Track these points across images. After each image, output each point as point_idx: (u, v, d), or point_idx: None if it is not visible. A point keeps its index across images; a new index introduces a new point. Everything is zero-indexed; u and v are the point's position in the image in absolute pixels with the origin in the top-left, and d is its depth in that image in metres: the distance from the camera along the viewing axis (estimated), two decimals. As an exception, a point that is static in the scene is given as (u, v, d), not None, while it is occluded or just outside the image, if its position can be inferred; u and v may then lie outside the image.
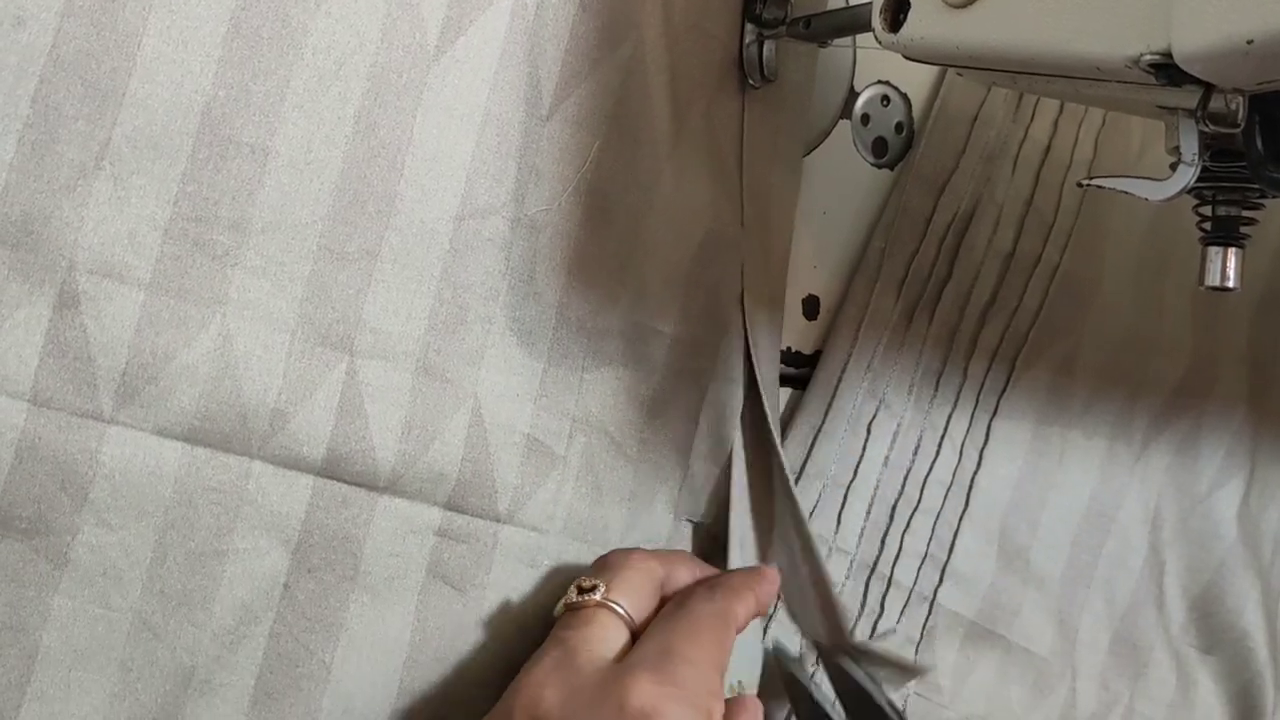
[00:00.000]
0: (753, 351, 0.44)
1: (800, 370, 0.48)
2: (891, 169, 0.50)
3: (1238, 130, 0.29)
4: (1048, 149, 0.51)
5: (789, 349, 0.48)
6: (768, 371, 0.45)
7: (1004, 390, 0.50)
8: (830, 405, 0.47)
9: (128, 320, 0.33)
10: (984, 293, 0.50)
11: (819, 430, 0.47)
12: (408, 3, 0.35)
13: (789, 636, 0.46)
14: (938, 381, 0.49)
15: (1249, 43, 0.25)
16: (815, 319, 0.48)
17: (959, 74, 0.37)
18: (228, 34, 0.33)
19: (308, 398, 0.35)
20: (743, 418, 0.45)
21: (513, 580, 0.40)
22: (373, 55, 0.35)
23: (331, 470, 0.36)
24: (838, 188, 0.49)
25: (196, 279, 0.33)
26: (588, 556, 0.41)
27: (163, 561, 0.34)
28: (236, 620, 0.35)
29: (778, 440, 0.44)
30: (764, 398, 0.44)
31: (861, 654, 0.45)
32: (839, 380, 0.47)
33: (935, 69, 0.50)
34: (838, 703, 0.45)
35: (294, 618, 0.36)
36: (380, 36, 0.35)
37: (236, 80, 0.33)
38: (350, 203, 0.35)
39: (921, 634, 0.48)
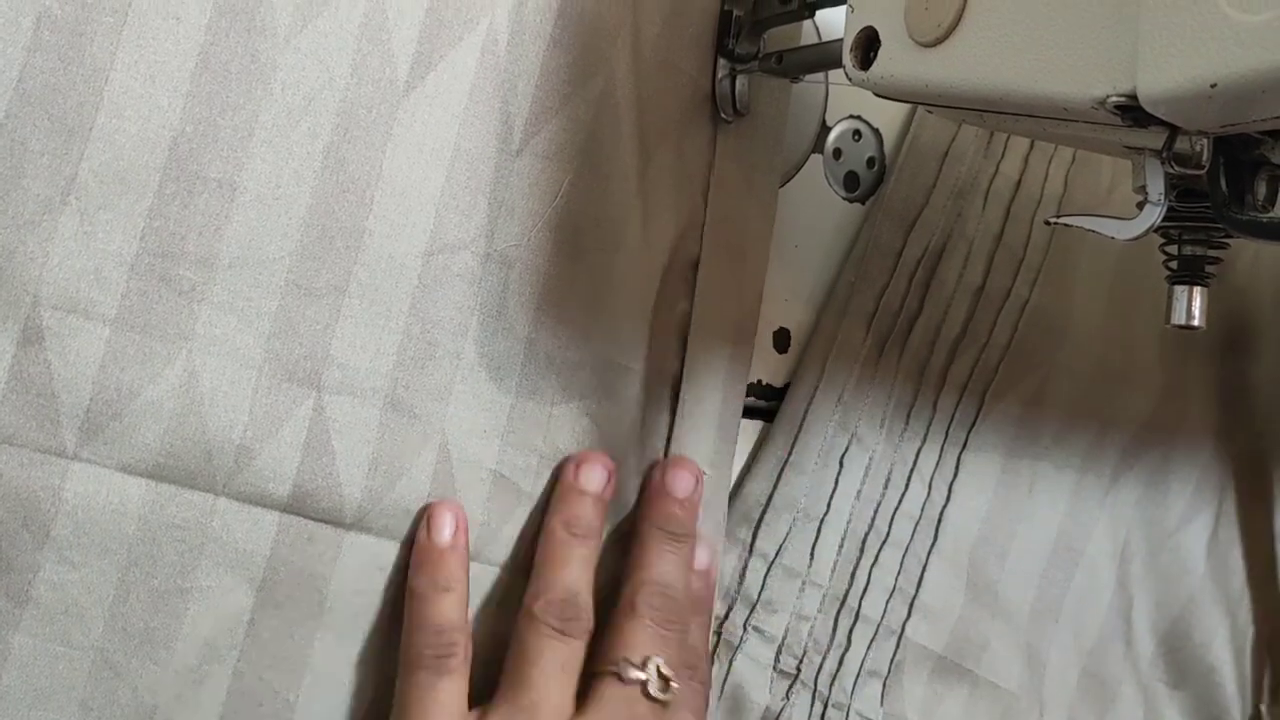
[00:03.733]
0: (686, 381, 0.43)
1: (770, 403, 0.47)
2: (863, 203, 0.49)
3: (1203, 172, 0.29)
4: (1018, 184, 0.50)
5: (759, 381, 0.47)
6: (730, 402, 0.44)
7: (973, 424, 0.49)
8: (797, 438, 0.46)
9: (92, 356, 0.32)
10: (954, 327, 0.49)
11: (785, 463, 0.46)
12: (377, 38, 0.35)
13: (760, 670, 0.45)
14: (908, 415, 0.48)
15: (1212, 86, 0.25)
16: (786, 352, 0.48)
17: (929, 111, 0.36)
18: (196, 69, 0.32)
19: (274, 434, 0.34)
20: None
21: (478, 616, 0.39)
22: (342, 91, 0.34)
23: (297, 507, 0.35)
24: (809, 221, 0.48)
25: (162, 315, 0.33)
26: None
27: (125, 599, 0.33)
28: (200, 659, 0.34)
29: (729, 475, 0.44)
30: (714, 429, 0.43)
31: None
32: (805, 413, 0.47)
33: (907, 104, 0.49)
34: None
35: (258, 655, 0.35)
36: (350, 72, 0.34)
37: (204, 115, 0.33)
38: (318, 238, 0.35)
39: (889, 668, 0.48)
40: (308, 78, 0.34)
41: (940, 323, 0.49)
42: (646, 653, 0.38)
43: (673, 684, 0.37)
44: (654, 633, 0.38)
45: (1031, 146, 0.50)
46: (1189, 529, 0.54)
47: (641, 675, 0.37)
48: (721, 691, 0.45)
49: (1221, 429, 0.55)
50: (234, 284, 0.33)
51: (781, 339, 0.47)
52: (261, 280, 0.34)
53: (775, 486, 0.46)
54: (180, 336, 0.33)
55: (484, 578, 0.39)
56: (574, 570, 0.38)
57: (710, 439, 0.44)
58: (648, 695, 0.37)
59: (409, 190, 0.36)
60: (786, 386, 0.48)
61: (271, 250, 0.34)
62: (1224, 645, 0.54)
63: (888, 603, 0.47)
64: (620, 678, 0.37)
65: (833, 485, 0.47)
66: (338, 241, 0.35)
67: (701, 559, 0.43)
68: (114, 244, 0.32)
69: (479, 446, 0.38)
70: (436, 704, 0.35)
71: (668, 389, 0.43)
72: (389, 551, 0.37)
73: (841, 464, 0.47)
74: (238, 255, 0.33)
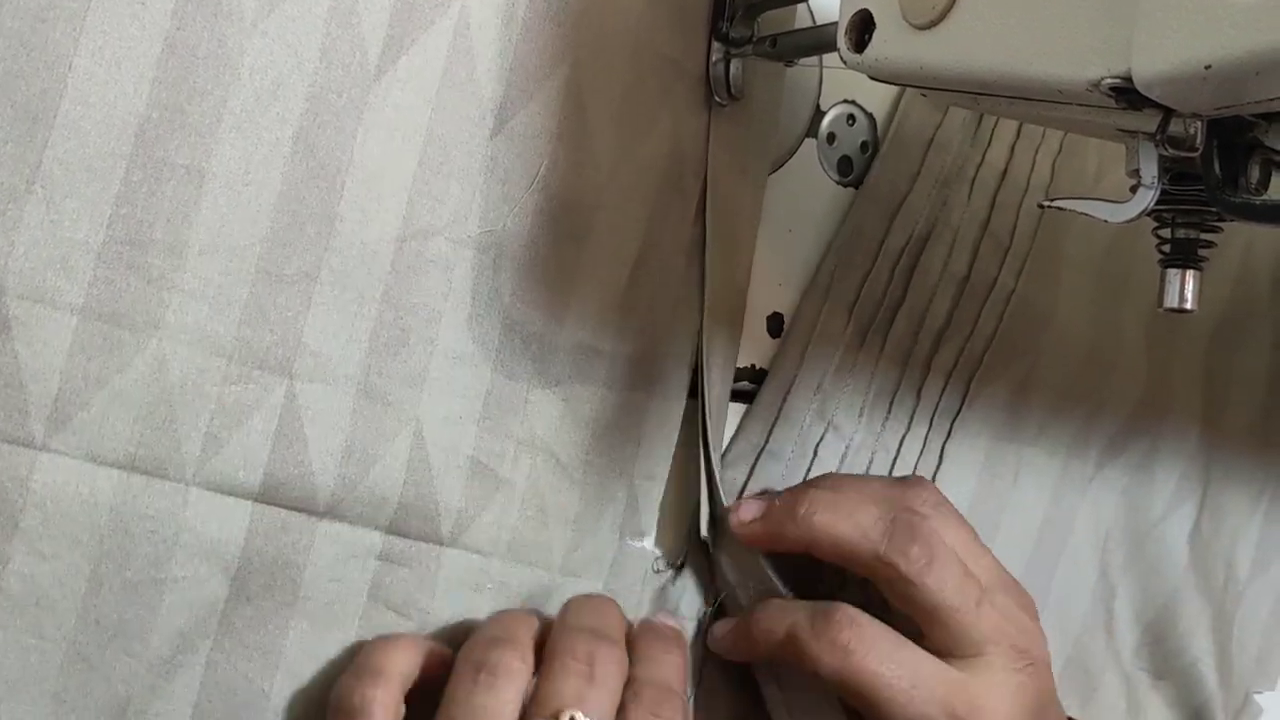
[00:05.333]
0: (705, 368, 0.42)
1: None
2: (856, 188, 0.47)
3: (1196, 154, 0.28)
4: (1004, 173, 0.48)
5: (752, 366, 0.45)
6: (719, 388, 0.43)
7: (958, 413, 0.48)
8: (774, 425, 0.45)
9: (60, 345, 0.31)
10: (938, 317, 0.47)
11: (761, 450, 0.44)
12: (348, 22, 0.33)
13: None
14: (890, 404, 0.47)
15: (1207, 68, 0.24)
16: (779, 337, 0.46)
17: (922, 94, 0.35)
18: (162, 54, 0.31)
19: (244, 422, 0.33)
20: (701, 435, 0.42)
21: (457, 604, 0.37)
22: (311, 75, 0.33)
23: (269, 495, 0.34)
24: (803, 206, 0.46)
25: (130, 303, 0.31)
26: (532, 580, 0.39)
27: (98, 590, 0.32)
28: (173, 649, 0.33)
29: (716, 460, 0.42)
30: (709, 415, 0.42)
31: None
32: (783, 400, 0.45)
33: (901, 88, 0.47)
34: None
35: (232, 645, 0.34)
36: (319, 56, 0.33)
37: (171, 101, 0.31)
38: (289, 224, 0.33)
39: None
40: (276, 62, 0.32)
41: (924, 312, 0.47)
42: (559, 704, 0.33)
43: None
44: (573, 677, 0.34)
45: (1018, 135, 0.48)
46: (1173, 518, 0.53)
47: None
48: None
49: (1206, 419, 0.53)
50: (203, 271, 0.32)
51: (775, 323, 0.46)
52: (231, 267, 0.32)
53: (750, 474, 0.44)
54: (149, 325, 0.31)
55: (462, 564, 0.37)
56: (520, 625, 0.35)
57: (710, 423, 0.42)
58: None
59: (381, 175, 0.34)
60: (778, 372, 0.46)
61: (241, 237, 0.32)
62: (1206, 636, 0.53)
63: None
64: None
65: (806, 474, 0.45)
66: (309, 228, 0.33)
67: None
68: (81, 232, 0.30)
69: (455, 433, 0.37)
70: None
71: (648, 372, 0.41)
72: (362, 539, 0.35)
73: (816, 453, 0.45)
74: (207, 242, 0.32)
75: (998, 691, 0.37)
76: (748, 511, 0.41)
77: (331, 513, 0.35)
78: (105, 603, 0.32)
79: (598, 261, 0.39)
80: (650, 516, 0.42)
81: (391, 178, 0.34)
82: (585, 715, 0.33)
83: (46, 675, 0.31)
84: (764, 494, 0.43)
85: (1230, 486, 0.54)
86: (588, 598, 0.38)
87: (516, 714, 0.33)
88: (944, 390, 0.47)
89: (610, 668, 0.35)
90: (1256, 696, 0.55)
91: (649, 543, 0.42)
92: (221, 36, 0.31)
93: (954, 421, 0.47)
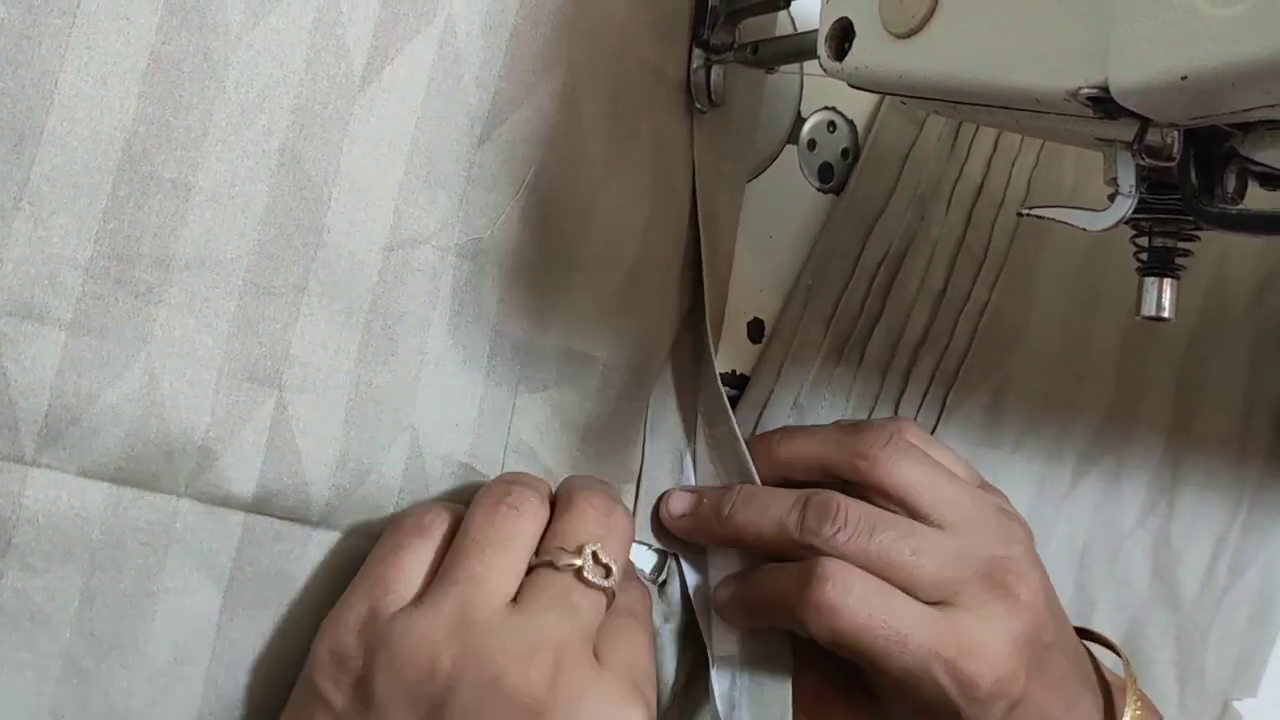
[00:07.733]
0: (660, 371, 0.42)
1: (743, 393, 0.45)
2: (838, 194, 0.47)
3: (1173, 164, 0.28)
4: (980, 187, 0.48)
5: (733, 371, 0.45)
6: (713, 393, 0.42)
7: (935, 426, 0.48)
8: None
9: (49, 362, 0.30)
10: (915, 330, 0.47)
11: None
12: (332, 33, 0.32)
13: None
14: (869, 417, 0.46)
15: (1183, 79, 0.24)
16: (760, 342, 0.46)
17: (902, 103, 0.35)
18: (148, 69, 0.30)
19: (236, 434, 0.32)
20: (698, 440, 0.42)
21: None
22: (297, 87, 0.32)
23: (262, 506, 0.33)
24: (783, 212, 0.46)
25: (119, 318, 0.31)
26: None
27: (92, 604, 0.31)
28: (171, 661, 0.33)
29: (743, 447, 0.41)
30: (723, 417, 0.42)
31: None
32: (759, 417, 0.45)
33: (881, 100, 0.47)
34: None
35: (229, 656, 0.33)
36: (304, 68, 0.32)
37: (157, 115, 0.31)
38: (276, 236, 0.33)
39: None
40: (261, 74, 0.32)
41: (902, 326, 0.47)
42: (582, 539, 0.34)
43: (614, 571, 0.33)
44: (593, 519, 0.34)
45: (995, 149, 0.48)
46: (1141, 530, 0.53)
47: (575, 561, 0.33)
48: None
49: (1176, 426, 0.53)
50: (191, 285, 0.31)
51: (755, 329, 0.46)
52: (219, 280, 0.32)
53: None
54: (138, 339, 0.31)
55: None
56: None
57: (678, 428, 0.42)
58: (583, 580, 0.33)
59: (367, 185, 0.34)
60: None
61: (228, 250, 0.32)
62: (1171, 648, 0.53)
63: None
64: (554, 565, 0.33)
65: None
66: (295, 239, 0.33)
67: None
68: (69, 248, 0.30)
69: (451, 439, 0.36)
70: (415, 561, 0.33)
71: (640, 377, 0.41)
72: (357, 548, 0.35)
73: None
74: (194, 256, 0.31)
75: (984, 627, 0.37)
76: (677, 505, 0.41)
77: (326, 522, 0.34)
78: (100, 616, 0.31)
79: (590, 266, 0.38)
80: (645, 521, 0.42)
81: (378, 188, 0.34)
82: (604, 552, 0.34)
83: (43, 690, 0.31)
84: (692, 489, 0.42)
85: (1207, 494, 0.54)
86: (590, 477, 0.39)
87: (534, 547, 0.34)
88: (921, 403, 0.47)
89: (624, 522, 0.35)
90: (1236, 704, 0.55)
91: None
92: (207, 50, 0.31)
93: (932, 434, 0.47)
